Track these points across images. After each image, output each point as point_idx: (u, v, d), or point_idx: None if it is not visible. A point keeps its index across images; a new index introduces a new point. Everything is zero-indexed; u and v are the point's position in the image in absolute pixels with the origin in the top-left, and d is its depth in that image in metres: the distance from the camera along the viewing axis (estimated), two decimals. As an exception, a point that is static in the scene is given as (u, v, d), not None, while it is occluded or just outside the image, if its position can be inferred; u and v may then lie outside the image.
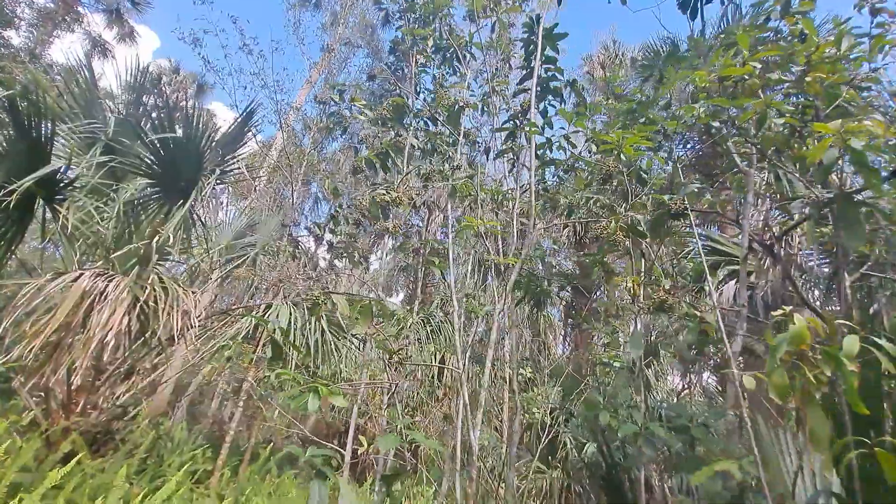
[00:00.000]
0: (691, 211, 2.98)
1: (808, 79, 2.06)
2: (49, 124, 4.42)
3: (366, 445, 1.99)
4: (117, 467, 4.47)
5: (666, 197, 2.47)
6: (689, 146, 3.20)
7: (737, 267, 5.80)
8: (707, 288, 6.14)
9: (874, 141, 1.58)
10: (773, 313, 1.51)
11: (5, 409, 5.43)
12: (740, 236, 2.20)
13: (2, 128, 4.44)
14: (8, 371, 5.19)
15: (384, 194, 2.83)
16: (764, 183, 2.71)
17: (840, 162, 1.64)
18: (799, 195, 2.21)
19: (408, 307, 8.93)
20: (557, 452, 7.79)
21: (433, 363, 5.83)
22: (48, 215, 4.78)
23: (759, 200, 2.93)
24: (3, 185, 4.13)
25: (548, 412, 3.90)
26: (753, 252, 2.97)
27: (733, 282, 5.79)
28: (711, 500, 1.78)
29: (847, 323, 1.40)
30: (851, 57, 1.99)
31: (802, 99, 2.41)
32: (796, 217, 2.35)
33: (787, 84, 2.32)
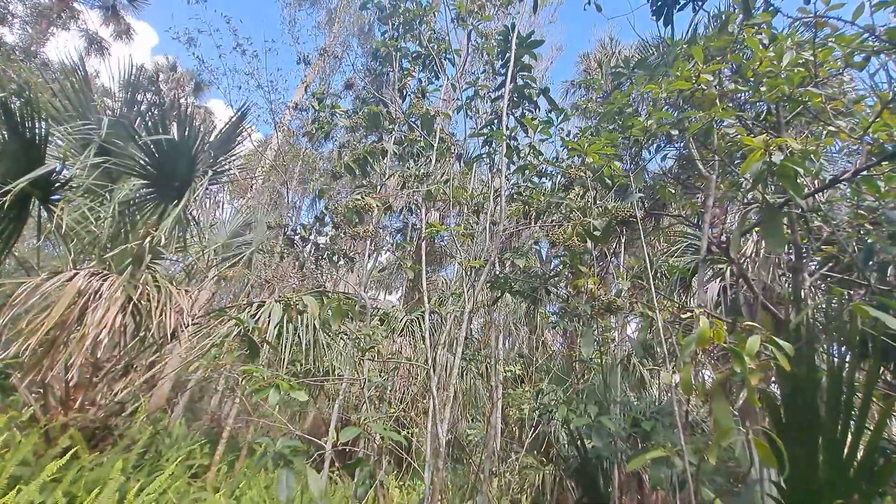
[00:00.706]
0: (663, 214, 3.07)
1: (763, 88, 2.15)
2: (43, 125, 4.52)
3: (336, 437, 2.10)
4: (114, 461, 4.60)
5: (611, 205, 2.57)
6: (657, 153, 3.31)
7: (722, 265, 5.91)
8: (672, 290, 6.22)
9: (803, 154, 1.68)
10: (683, 315, 1.62)
11: (5, 405, 5.56)
12: (700, 239, 2.30)
13: (-3, 129, 4.53)
14: (6, 367, 5.31)
15: (358, 200, 2.92)
16: (731, 187, 2.80)
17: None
18: (750, 201, 2.31)
19: (402, 305, 9.05)
20: (549, 448, 7.92)
21: (424, 359, 5.94)
22: (44, 215, 4.88)
23: (728, 203, 3.02)
24: None
25: (537, 408, 4.01)
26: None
27: (717, 280, 5.88)
28: (654, 487, 1.89)
29: (755, 325, 1.50)
30: (793, 71, 2.08)
31: (764, 106, 2.50)
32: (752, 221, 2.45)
33: (748, 93, 2.41)
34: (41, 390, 4.68)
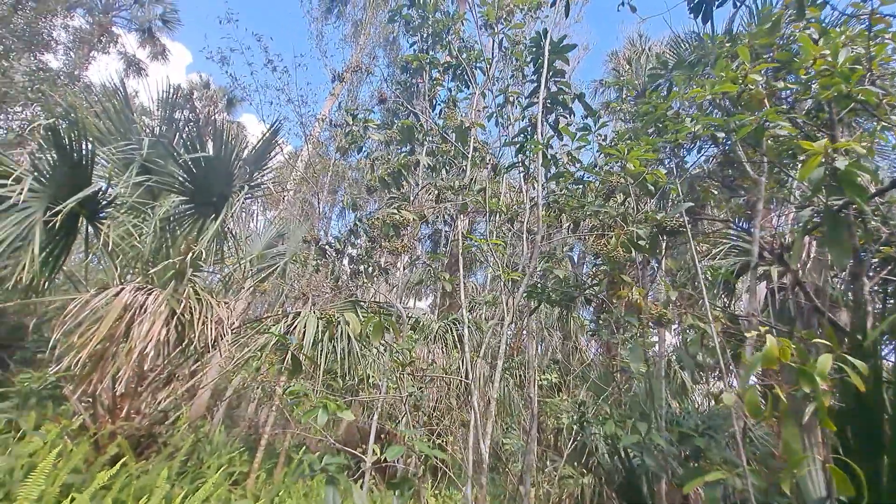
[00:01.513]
0: (707, 218, 2.95)
1: (815, 86, 2.03)
2: (89, 146, 4.72)
3: (378, 453, 2.08)
4: (160, 469, 4.74)
5: (659, 215, 2.47)
6: (700, 154, 3.17)
7: (769, 267, 5.64)
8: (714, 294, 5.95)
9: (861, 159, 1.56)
10: (747, 334, 1.52)
11: (57, 415, 5.84)
12: (751, 244, 2.18)
13: (46, 151, 4.77)
14: (59, 379, 5.56)
15: (394, 214, 2.92)
16: (783, 189, 2.66)
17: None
18: (804, 205, 2.18)
19: (433, 313, 9.03)
20: (588, 458, 7.72)
21: (458, 370, 5.91)
22: (91, 232, 5.11)
23: (779, 206, 2.87)
24: (50, 206, 4.45)
25: (576, 417, 3.90)
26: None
27: (763, 284, 5.62)
28: None
29: (823, 342, 1.40)
30: (848, 68, 1.95)
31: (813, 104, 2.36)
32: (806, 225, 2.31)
33: (796, 89, 2.28)
34: (90, 400, 4.88)
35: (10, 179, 4.37)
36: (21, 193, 4.20)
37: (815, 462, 1.95)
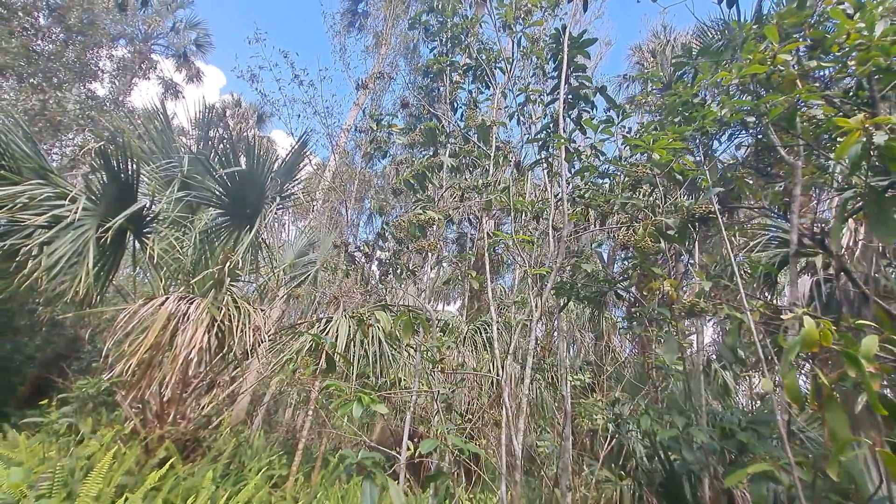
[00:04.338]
0: (742, 207, 2.86)
1: (851, 63, 1.94)
2: (134, 166, 5.02)
3: (412, 450, 2.11)
4: (205, 472, 4.95)
5: (683, 201, 2.40)
6: (731, 142, 3.05)
7: (812, 258, 5.38)
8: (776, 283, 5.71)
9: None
10: (784, 316, 1.46)
11: (111, 420, 6.18)
12: (790, 232, 2.10)
13: (96, 172, 5.10)
14: (112, 385, 5.88)
15: (420, 214, 2.97)
16: (821, 174, 2.54)
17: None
18: (845, 187, 2.07)
19: (462, 316, 9.05)
20: (626, 460, 7.50)
21: (489, 370, 5.90)
22: (137, 246, 5.41)
23: (819, 191, 2.73)
24: (101, 223, 4.75)
25: (611, 418, 3.83)
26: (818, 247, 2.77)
27: (808, 275, 5.36)
28: None
29: (867, 323, 1.32)
30: (887, 41, 1.85)
31: (853, 82, 2.25)
32: (850, 208, 2.20)
33: (831, 69, 2.19)
34: (140, 406, 5.14)
35: (67, 200, 4.69)
36: (77, 212, 4.49)
37: (866, 452, 1.85)
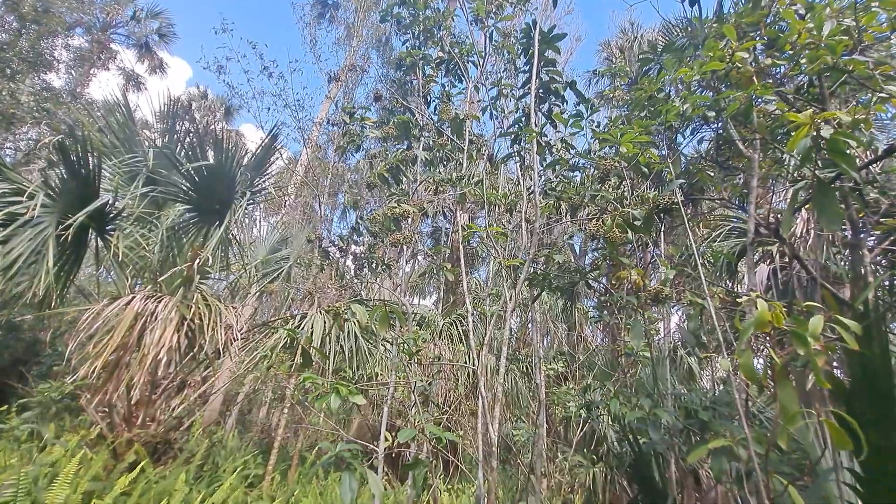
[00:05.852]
0: (704, 199, 2.98)
1: (802, 61, 2.06)
2: (95, 160, 4.82)
3: (390, 440, 2.14)
4: (177, 474, 4.84)
5: (649, 193, 2.51)
6: (693, 136, 3.20)
7: (769, 247, 5.65)
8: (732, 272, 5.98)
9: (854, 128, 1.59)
10: (740, 300, 1.56)
11: (75, 425, 5.96)
12: (747, 222, 2.22)
13: (55, 167, 4.87)
14: (76, 389, 5.67)
15: (394, 207, 2.98)
16: (777, 166, 2.69)
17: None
18: (798, 179, 2.20)
19: (438, 309, 9.10)
20: (598, 446, 7.75)
21: (465, 361, 5.97)
22: (100, 244, 5.20)
23: (774, 183, 2.90)
24: (61, 220, 4.55)
25: (583, 404, 3.95)
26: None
27: (766, 263, 5.63)
28: (717, 480, 1.82)
29: (816, 305, 1.43)
30: (835, 40, 1.98)
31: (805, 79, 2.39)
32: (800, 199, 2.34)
33: (785, 66, 2.31)
34: (106, 409, 4.97)
35: (24, 196, 4.48)
36: (35, 209, 4.29)
37: (820, 429, 1.98)
